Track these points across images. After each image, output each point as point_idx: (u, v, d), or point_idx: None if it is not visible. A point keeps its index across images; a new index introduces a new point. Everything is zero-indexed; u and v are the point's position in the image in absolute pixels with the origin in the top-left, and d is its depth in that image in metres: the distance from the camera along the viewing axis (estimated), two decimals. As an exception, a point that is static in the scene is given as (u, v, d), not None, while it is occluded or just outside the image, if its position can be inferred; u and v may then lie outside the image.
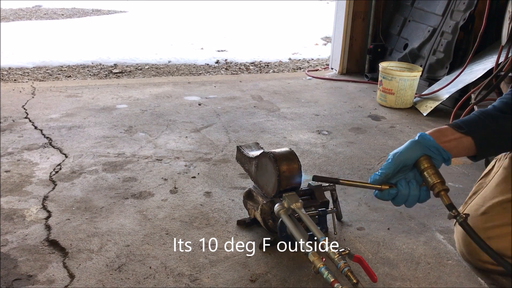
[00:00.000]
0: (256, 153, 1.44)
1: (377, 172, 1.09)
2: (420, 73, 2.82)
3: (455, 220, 1.34)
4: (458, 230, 1.35)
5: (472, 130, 1.09)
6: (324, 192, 1.48)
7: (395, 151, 1.08)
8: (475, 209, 1.27)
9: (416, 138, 1.08)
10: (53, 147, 2.09)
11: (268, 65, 4.23)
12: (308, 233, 1.24)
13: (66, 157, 1.99)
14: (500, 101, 1.15)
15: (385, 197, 1.10)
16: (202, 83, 3.27)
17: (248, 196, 1.49)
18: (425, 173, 1.06)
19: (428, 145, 1.06)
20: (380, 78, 2.87)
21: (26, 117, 2.43)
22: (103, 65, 3.95)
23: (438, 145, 1.06)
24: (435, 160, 1.07)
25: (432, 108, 2.71)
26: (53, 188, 1.72)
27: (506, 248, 1.19)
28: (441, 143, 1.07)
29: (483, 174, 1.34)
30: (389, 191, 1.09)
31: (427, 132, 1.10)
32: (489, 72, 2.42)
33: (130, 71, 3.82)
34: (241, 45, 4.95)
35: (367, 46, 3.50)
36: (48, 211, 1.57)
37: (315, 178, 1.23)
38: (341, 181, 1.18)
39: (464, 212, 1.31)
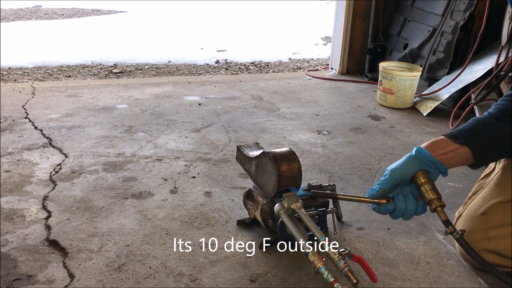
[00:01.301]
0: (256, 153, 1.44)
1: (374, 187, 1.10)
2: (420, 73, 2.82)
3: (455, 220, 1.35)
4: None
5: (468, 140, 1.10)
6: (324, 192, 1.48)
7: (392, 166, 1.10)
8: (474, 209, 1.27)
9: (413, 153, 1.09)
10: (53, 147, 2.09)
11: (268, 65, 4.23)
12: (308, 233, 1.24)
13: (66, 157, 1.99)
14: (496, 108, 1.15)
15: (383, 211, 1.12)
16: (202, 83, 3.27)
17: (248, 196, 1.49)
18: (422, 188, 1.07)
19: (425, 160, 1.08)
20: (380, 78, 2.87)
21: (26, 117, 2.43)
22: (103, 65, 3.95)
23: (435, 159, 1.07)
24: (432, 174, 1.09)
25: (432, 108, 2.71)
26: (53, 188, 1.72)
27: (506, 249, 1.19)
28: (438, 156, 1.08)
29: (483, 175, 1.34)
30: (386, 205, 1.11)
31: (423, 146, 1.11)
32: (489, 72, 2.42)
33: (130, 71, 3.82)
34: (241, 45, 4.95)
35: (367, 46, 3.50)
36: (48, 211, 1.57)
37: (313, 194, 1.25)
38: (339, 196, 1.21)
39: (464, 213, 1.31)
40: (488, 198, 1.25)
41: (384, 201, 1.10)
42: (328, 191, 1.51)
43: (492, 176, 1.28)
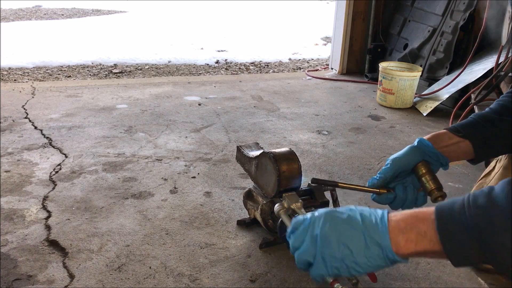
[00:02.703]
0: (256, 153, 1.44)
1: (375, 176, 1.10)
2: (420, 73, 2.82)
3: None
4: None
5: (469, 134, 1.10)
6: (324, 192, 1.48)
7: (394, 156, 1.10)
8: None
9: (415, 143, 1.10)
10: (53, 147, 2.09)
11: (268, 65, 4.23)
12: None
13: (66, 157, 1.99)
14: (497, 104, 1.16)
15: (383, 201, 1.12)
16: (202, 83, 3.27)
17: (248, 196, 1.49)
18: (423, 178, 1.08)
19: (427, 151, 1.08)
20: (380, 78, 2.87)
21: (26, 117, 2.43)
22: (103, 65, 3.95)
23: (437, 150, 1.08)
24: (433, 165, 1.09)
25: (432, 108, 2.71)
26: (53, 188, 1.72)
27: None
28: (439, 148, 1.09)
29: (483, 174, 1.34)
30: (387, 195, 1.11)
31: (425, 137, 1.11)
32: (489, 72, 2.42)
33: (130, 71, 3.82)
34: (241, 45, 4.95)
35: (367, 46, 3.50)
36: (48, 211, 1.57)
37: (313, 180, 1.24)
38: (339, 184, 1.20)
39: None
40: None
41: (385, 191, 1.11)
42: (328, 191, 1.51)
43: (492, 175, 1.28)
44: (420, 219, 0.72)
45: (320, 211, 0.79)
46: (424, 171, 1.07)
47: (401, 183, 1.11)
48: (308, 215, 0.79)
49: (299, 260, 0.77)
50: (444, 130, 1.13)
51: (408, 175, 1.11)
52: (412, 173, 1.10)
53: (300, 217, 0.80)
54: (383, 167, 1.10)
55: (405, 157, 1.08)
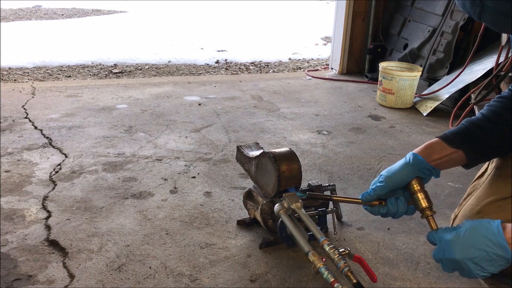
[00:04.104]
0: (256, 153, 1.44)
1: (369, 191, 1.13)
2: (420, 73, 2.82)
3: (451, 221, 1.35)
4: None
5: (462, 144, 1.12)
6: (324, 192, 1.48)
7: (388, 173, 1.11)
8: (470, 209, 1.27)
9: (410, 160, 1.11)
10: (53, 147, 2.09)
11: (268, 65, 4.23)
12: (308, 233, 1.24)
13: (66, 157, 1.99)
14: (489, 109, 1.17)
15: (375, 213, 1.17)
16: (202, 83, 3.27)
17: (248, 196, 1.49)
18: (415, 196, 1.11)
19: (420, 167, 1.10)
20: (380, 78, 2.87)
21: (26, 117, 2.43)
22: (103, 65, 3.95)
23: (429, 165, 1.11)
24: (425, 180, 1.11)
25: (432, 108, 2.71)
26: (53, 188, 1.72)
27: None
28: (432, 162, 1.11)
29: (476, 176, 1.35)
30: (379, 208, 1.14)
31: (417, 150, 1.13)
32: (489, 72, 2.42)
33: (130, 71, 3.82)
34: (241, 45, 4.95)
35: (367, 46, 3.50)
36: (48, 211, 1.57)
37: (309, 195, 1.26)
38: (333, 198, 1.25)
39: (459, 214, 1.32)
40: (482, 197, 1.26)
41: (377, 203, 1.13)
42: (328, 191, 1.52)
43: (485, 177, 1.29)
44: None
45: (446, 237, 1.00)
46: (416, 188, 1.10)
47: (393, 195, 1.14)
48: (437, 238, 1.03)
49: (444, 269, 1.03)
50: (437, 140, 1.14)
51: (400, 189, 1.14)
52: (405, 187, 1.13)
53: (435, 236, 1.04)
54: (378, 184, 1.12)
55: (399, 174, 1.11)
